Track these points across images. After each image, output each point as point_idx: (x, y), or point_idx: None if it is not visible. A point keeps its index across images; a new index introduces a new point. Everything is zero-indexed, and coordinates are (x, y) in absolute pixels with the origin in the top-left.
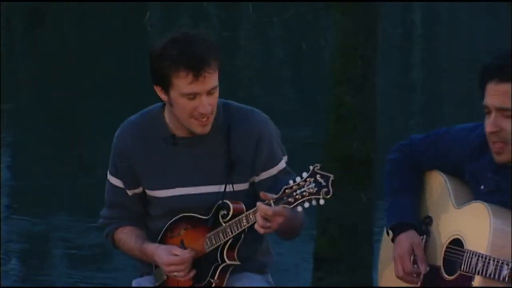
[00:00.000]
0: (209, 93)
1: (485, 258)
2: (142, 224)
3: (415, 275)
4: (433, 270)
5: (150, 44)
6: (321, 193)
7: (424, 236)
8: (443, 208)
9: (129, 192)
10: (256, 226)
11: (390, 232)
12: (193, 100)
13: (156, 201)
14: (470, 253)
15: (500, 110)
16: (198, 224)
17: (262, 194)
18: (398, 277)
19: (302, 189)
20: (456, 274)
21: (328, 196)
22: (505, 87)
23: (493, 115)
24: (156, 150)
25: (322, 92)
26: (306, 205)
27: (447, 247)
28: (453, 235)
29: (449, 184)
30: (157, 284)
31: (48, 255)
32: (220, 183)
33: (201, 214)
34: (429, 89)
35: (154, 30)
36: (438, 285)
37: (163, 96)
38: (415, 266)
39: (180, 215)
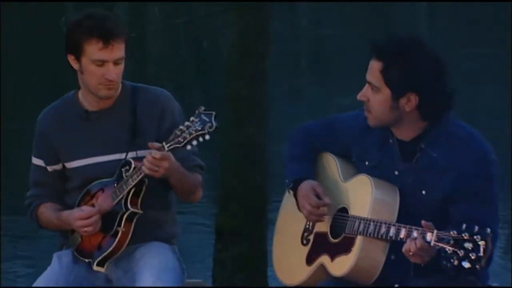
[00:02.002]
0: (116, 62)
1: (366, 221)
2: (61, 201)
3: (322, 207)
4: (322, 236)
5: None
6: (206, 128)
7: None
8: (332, 183)
9: (49, 169)
10: (143, 168)
11: (291, 189)
12: (102, 67)
13: (72, 173)
14: (353, 218)
15: (369, 83)
16: (107, 186)
17: (149, 144)
18: (307, 216)
19: (190, 129)
20: (341, 237)
21: (212, 130)
22: (376, 64)
23: (366, 86)
24: (72, 126)
25: (222, 86)
26: (194, 142)
27: (334, 215)
28: (340, 205)
29: (338, 163)
30: (73, 248)
31: None
32: (126, 151)
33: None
34: (317, 82)
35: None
36: (324, 248)
37: (75, 65)
38: (320, 200)
39: (91, 184)
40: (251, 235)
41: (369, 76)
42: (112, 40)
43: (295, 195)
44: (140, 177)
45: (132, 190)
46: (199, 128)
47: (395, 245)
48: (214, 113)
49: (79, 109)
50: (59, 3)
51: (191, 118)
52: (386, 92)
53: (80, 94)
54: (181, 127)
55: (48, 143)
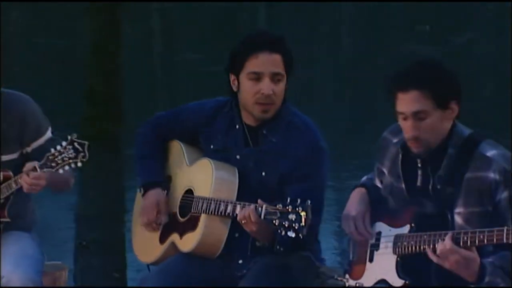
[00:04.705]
0: None
1: (208, 200)
2: None
3: (155, 224)
4: (172, 216)
5: None
6: (79, 157)
7: (166, 191)
8: (179, 168)
9: None
10: (24, 188)
11: (142, 190)
12: None
13: None
14: (197, 198)
15: (276, 75)
16: None
17: (25, 168)
18: (142, 225)
19: (63, 155)
20: (188, 216)
21: (85, 159)
22: (276, 56)
23: (266, 81)
24: None
25: (79, 84)
26: (67, 167)
27: (182, 197)
28: (186, 187)
29: (184, 148)
30: None
31: None
32: None
33: None
34: (168, 76)
35: None
36: (174, 227)
37: None
38: (158, 216)
39: None
40: (110, 220)
41: (273, 68)
42: None
43: (143, 195)
44: (11, 191)
45: (1, 202)
46: (72, 156)
47: (239, 224)
48: (87, 143)
49: None
50: None
51: (64, 144)
52: (285, 76)
53: None
54: (53, 151)
55: None
